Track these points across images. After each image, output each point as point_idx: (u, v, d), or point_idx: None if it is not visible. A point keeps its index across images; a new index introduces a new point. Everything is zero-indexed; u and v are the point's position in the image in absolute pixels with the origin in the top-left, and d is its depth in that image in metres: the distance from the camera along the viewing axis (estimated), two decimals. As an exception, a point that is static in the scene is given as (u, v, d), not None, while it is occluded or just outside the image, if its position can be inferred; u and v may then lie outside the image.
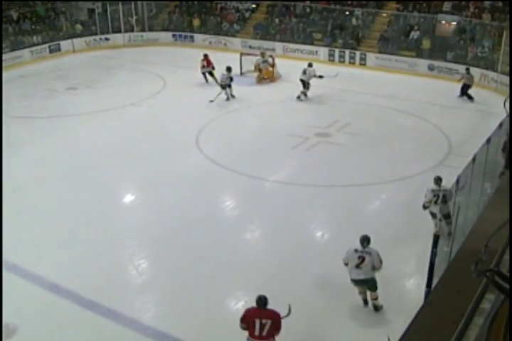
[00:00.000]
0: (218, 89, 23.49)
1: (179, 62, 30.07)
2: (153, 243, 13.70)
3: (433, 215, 13.10)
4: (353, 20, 30.88)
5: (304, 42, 31.28)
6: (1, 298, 11.14)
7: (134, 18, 36.71)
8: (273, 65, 26.81)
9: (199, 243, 13.48)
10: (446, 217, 12.61)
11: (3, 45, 31.69)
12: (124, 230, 14.30)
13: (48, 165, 18.17)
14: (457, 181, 10.62)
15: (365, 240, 10.67)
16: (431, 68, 27.14)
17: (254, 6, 34.69)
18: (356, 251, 10.63)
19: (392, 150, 18.37)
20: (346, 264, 10.72)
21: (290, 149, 18.65)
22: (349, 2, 31.42)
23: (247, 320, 8.92)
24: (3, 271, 12.13)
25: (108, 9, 36.26)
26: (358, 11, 30.83)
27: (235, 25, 34.36)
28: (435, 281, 8.20)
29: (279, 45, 31.36)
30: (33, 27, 34.12)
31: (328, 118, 21.18)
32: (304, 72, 23.38)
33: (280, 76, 26.90)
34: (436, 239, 9.62)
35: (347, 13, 31.20)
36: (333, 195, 15.59)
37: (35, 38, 33.62)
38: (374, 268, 10.52)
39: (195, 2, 36.49)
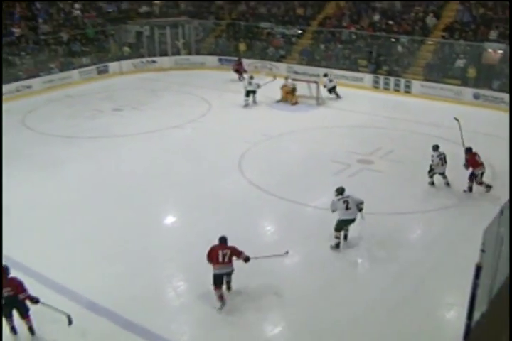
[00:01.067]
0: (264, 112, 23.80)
1: (224, 86, 30.36)
2: (192, 265, 13.71)
3: (441, 174, 17.51)
4: (399, 48, 30.81)
5: (349, 69, 31.28)
6: (0, 295, 11.35)
7: (181, 41, 37.24)
8: (292, 90, 27.27)
9: (238, 265, 13.46)
10: (444, 173, 17.48)
11: (53, 65, 32.40)
12: (163, 252, 14.38)
13: (90, 184, 18.44)
14: (501, 212, 10.46)
15: (341, 189, 14.31)
16: (476, 97, 26.87)
17: (300, 31, 34.86)
18: (339, 199, 14.16)
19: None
20: (334, 211, 14.23)
21: (332, 175, 18.59)
22: (395, 29, 31.40)
23: (212, 254, 12.21)
24: (39, 286, 12.32)
25: (156, 32, 36.88)
26: (403, 39, 30.78)
27: (280, 51, 34.57)
28: (476, 314, 8.08)
29: (324, 71, 31.37)
30: (83, 49, 34.81)
31: (371, 145, 21.09)
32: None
33: (324, 102, 26.91)
34: (478, 269, 9.46)
35: (393, 40, 31.12)
36: (374, 222, 15.44)
37: (84, 59, 34.33)
38: (359, 208, 14.13)
39: (242, 27, 36.85)
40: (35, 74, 31.70)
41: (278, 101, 27.32)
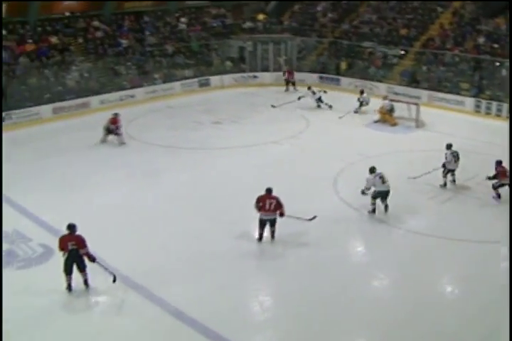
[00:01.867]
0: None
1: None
2: (279, 281, 13.88)
3: (451, 171, 19.29)
4: (503, 72, 30.15)
5: (450, 92, 30.80)
6: (1, 297, 11.71)
7: (283, 58, 37.53)
8: (389, 110, 27.30)
9: (325, 285, 13.51)
10: (454, 171, 19.33)
11: (157, 76, 33.27)
12: (251, 266, 14.59)
13: (186, 194, 18.92)
14: None
15: (373, 168, 17.22)
16: None
17: (402, 52, 34.61)
18: (374, 176, 17.01)
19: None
20: (368, 189, 17.25)
21: (427, 199, 18.39)
22: (500, 52, 30.76)
23: (261, 201, 15.22)
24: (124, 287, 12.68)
25: (258, 48, 37.36)
26: (508, 63, 30.11)
27: (381, 71, 34.40)
28: None
29: (424, 93, 31.04)
30: (186, 61, 35.65)
31: (469, 170, 20.64)
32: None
33: (424, 124, 26.59)
34: None
35: (497, 64, 30.50)
36: (467, 250, 15.19)
37: (186, 71, 35.11)
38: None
39: (344, 46, 36.88)
40: (139, 85, 32.66)
41: (376, 122, 27.19)
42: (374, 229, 16.51)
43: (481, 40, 32.13)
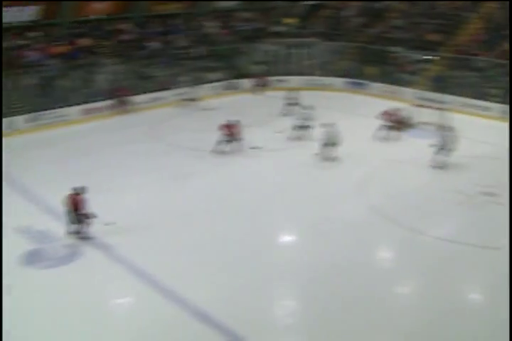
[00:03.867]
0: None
1: (351, 109, 30.31)
2: (304, 286, 13.95)
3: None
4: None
5: (477, 98, 30.67)
6: (1, 298, 11.88)
7: (311, 62, 37.55)
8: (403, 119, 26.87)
9: (349, 290, 13.57)
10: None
11: (187, 78, 33.41)
12: (276, 270, 14.66)
13: (212, 197, 19.07)
14: None
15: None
16: None
17: (430, 57, 34.51)
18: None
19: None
20: None
21: (455, 205, 18.36)
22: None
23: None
24: (146, 287, 12.92)
25: (286, 52, 37.41)
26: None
27: (409, 76, 34.33)
28: None
29: (453, 99, 30.92)
30: (215, 64, 35.80)
31: (497, 177, 20.61)
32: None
33: (451, 130, 26.34)
34: None
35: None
36: (493, 257, 15.15)
37: (215, 74, 35.22)
38: None
39: (372, 50, 36.84)
40: (168, 87, 32.88)
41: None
42: (400, 234, 16.49)
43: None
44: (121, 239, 15.71)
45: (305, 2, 42.67)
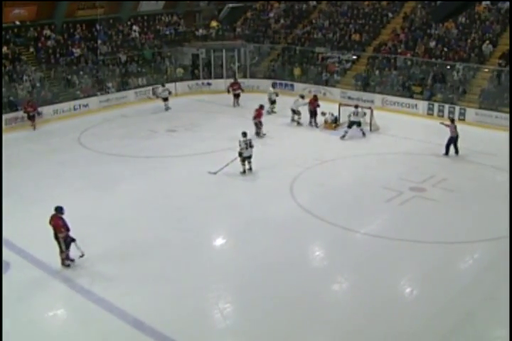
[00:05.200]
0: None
1: (279, 110, 30.33)
2: (240, 288, 13.80)
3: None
4: (454, 75, 30.61)
5: (403, 95, 31.15)
6: (1, 299, 11.57)
7: (237, 65, 37.57)
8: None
9: (285, 291, 13.48)
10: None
11: (111, 85, 33.00)
12: (212, 273, 14.46)
13: (142, 203, 18.71)
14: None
15: (245, 133, 20.56)
16: (533, 125, 26.33)
17: (355, 57, 34.91)
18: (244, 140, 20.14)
19: (486, 209, 17.94)
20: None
21: (384, 202, 18.50)
22: (451, 56, 31.22)
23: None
24: (82, 299, 12.76)
25: (212, 55, 37.30)
26: (459, 66, 30.57)
27: (335, 76, 34.64)
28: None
29: (378, 97, 31.32)
30: (139, 69, 35.45)
31: (424, 172, 20.91)
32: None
33: (378, 128, 26.77)
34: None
35: (448, 67, 30.97)
36: (424, 251, 15.32)
37: (140, 80, 34.88)
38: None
39: (297, 51, 37.08)
40: (93, 94, 32.38)
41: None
42: (332, 233, 16.52)
43: (432, 44, 32.62)
44: (48, 251, 15.22)
45: (229, 5, 42.57)
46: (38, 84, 31.01)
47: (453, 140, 22.98)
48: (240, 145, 20.65)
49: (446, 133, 22.98)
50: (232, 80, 33.82)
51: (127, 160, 22.95)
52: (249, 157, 20.90)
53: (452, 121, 23.60)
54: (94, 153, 24.08)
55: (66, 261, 14.59)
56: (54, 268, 14.47)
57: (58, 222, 14.31)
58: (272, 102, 30.16)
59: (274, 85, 33.68)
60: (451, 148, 22.87)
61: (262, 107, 26.15)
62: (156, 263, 14.84)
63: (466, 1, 33.69)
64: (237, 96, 32.55)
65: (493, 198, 18.84)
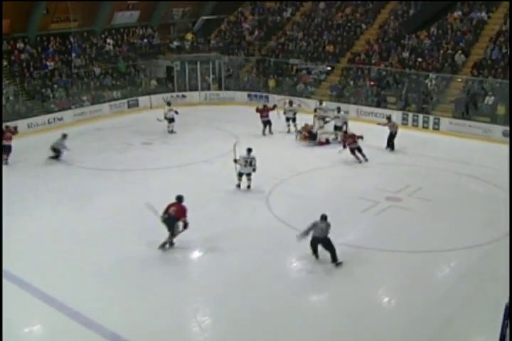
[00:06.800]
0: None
1: (254, 122, 30.34)
2: (218, 301, 13.74)
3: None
4: (428, 85, 30.85)
5: (377, 106, 31.34)
6: (0, 305, 11.46)
7: (211, 77, 37.63)
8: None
9: (264, 303, 13.44)
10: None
11: (85, 98, 32.87)
12: (189, 286, 14.43)
13: (118, 217, 18.55)
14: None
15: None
16: (505, 134, 26.52)
17: (329, 68, 35.08)
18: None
19: (462, 217, 18.07)
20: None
21: (360, 212, 18.57)
22: (424, 66, 31.49)
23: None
24: (61, 315, 12.65)
25: (186, 68, 37.31)
26: (432, 76, 30.82)
27: (309, 87, 34.76)
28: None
29: (352, 108, 31.47)
30: (114, 82, 35.38)
31: (400, 182, 21.04)
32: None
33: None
34: (508, 309, 9.31)
35: (421, 77, 31.22)
36: (400, 260, 15.40)
37: (114, 93, 34.81)
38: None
39: (272, 63, 37.19)
40: (67, 107, 32.22)
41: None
42: (307, 243, 16.49)
43: (405, 54, 32.91)
44: (26, 262, 15.08)
45: (203, 17, 42.69)
46: (11, 98, 30.80)
47: (392, 135, 24.62)
48: (239, 159, 20.42)
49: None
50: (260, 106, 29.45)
51: (103, 174, 22.83)
52: (249, 174, 20.58)
53: (389, 119, 25.48)
54: (70, 166, 23.92)
55: (168, 245, 16.10)
56: (28, 282, 14.31)
57: (184, 208, 16.02)
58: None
59: (249, 96, 33.86)
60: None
61: (265, 106, 28.22)
62: (133, 276, 14.74)
63: (438, 12, 33.93)
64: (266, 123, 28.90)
65: (469, 207, 19.01)
